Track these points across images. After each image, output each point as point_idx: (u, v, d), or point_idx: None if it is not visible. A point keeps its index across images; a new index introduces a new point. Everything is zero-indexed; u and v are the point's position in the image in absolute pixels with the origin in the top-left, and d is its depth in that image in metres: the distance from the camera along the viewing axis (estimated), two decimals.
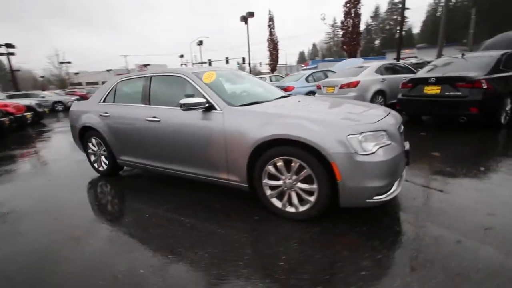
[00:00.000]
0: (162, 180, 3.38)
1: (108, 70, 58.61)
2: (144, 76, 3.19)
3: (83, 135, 3.70)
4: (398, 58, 14.76)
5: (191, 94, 2.76)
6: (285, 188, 2.26)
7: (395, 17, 68.16)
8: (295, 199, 2.24)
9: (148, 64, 51.72)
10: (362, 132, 1.97)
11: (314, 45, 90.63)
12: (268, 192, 2.34)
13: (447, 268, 1.61)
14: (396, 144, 2.11)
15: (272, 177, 2.29)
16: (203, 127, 2.55)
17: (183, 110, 2.50)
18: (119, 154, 3.35)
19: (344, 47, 18.95)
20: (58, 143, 6.83)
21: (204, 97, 2.58)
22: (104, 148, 3.49)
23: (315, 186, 2.09)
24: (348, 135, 1.95)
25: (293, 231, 2.11)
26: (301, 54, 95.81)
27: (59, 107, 16.34)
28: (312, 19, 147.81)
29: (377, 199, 2.00)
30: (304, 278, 1.62)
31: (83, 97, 18.92)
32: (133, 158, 3.22)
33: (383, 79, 6.96)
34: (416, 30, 70.59)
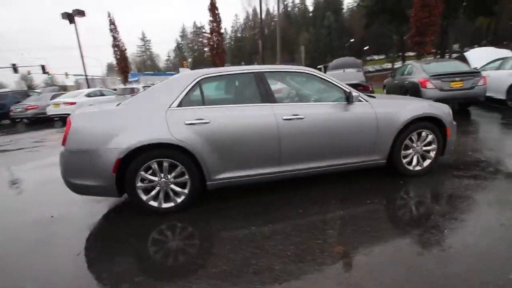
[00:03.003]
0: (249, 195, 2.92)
1: None
2: (247, 73, 2.69)
3: (129, 163, 2.34)
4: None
5: (318, 89, 2.83)
6: (414, 153, 3.08)
7: (200, 39, 77.87)
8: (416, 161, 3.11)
9: None
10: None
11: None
12: (404, 160, 3.05)
13: None
14: None
15: (406, 147, 3.03)
16: (354, 117, 2.78)
17: (350, 103, 2.66)
18: (217, 172, 2.54)
19: (210, 58, 20.72)
20: None
21: (344, 91, 2.81)
22: (178, 172, 2.46)
23: (434, 146, 3.10)
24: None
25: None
26: (111, 66, 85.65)
27: None
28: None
29: None
30: None
31: None
32: (237, 173, 2.59)
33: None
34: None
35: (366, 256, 1.81)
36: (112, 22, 24.55)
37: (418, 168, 3.11)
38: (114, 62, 27.27)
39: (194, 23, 76.67)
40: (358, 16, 58.54)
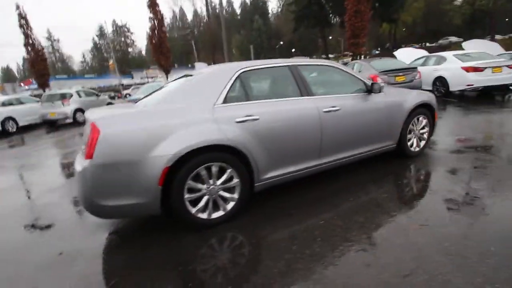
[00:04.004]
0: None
1: None
2: (282, 66, 2.60)
3: (176, 171, 1.98)
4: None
5: (341, 81, 2.95)
6: (414, 136, 3.49)
7: (123, 39, 70.92)
8: (416, 143, 3.54)
9: None
10: None
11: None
12: (409, 143, 3.42)
13: None
14: None
15: (409, 132, 3.41)
16: (376, 106, 2.98)
17: (370, 94, 2.82)
18: (265, 172, 2.37)
19: (154, 58, 18.57)
20: None
21: (364, 82, 2.99)
22: (228, 176, 2.21)
23: (427, 128, 3.56)
24: None
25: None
26: (7, 70, 70.07)
27: None
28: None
29: None
30: None
31: None
32: (283, 170, 2.49)
33: None
34: (144, 52, 78.39)
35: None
36: (22, 16, 19.54)
37: (417, 149, 3.53)
38: (21, 64, 22.14)
39: (114, 21, 69.23)
40: (283, 20, 62.77)
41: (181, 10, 72.67)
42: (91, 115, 2.06)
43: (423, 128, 3.51)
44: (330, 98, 2.72)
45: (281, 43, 55.24)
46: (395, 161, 3.40)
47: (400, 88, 3.86)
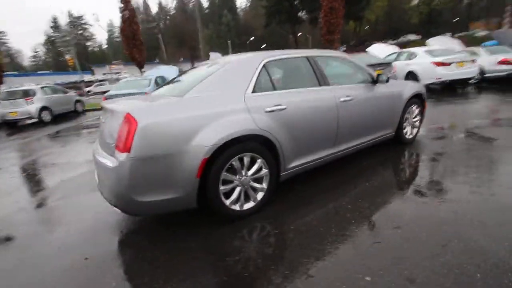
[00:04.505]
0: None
1: None
2: (301, 57, 2.66)
3: (212, 162, 1.95)
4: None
5: (349, 71, 3.09)
6: (408, 124, 3.77)
7: (81, 31, 65.63)
8: (410, 131, 3.84)
9: None
10: None
11: None
12: (404, 131, 3.69)
13: None
14: None
15: (405, 120, 3.67)
16: (381, 96, 3.16)
17: (375, 84, 3.00)
18: (289, 161, 2.43)
19: (126, 52, 17.01)
20: None
21: (370, 73, 3.16)
22: (258, 167, 2.22)
23: (419, 117, 3.87)
24: None
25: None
26: None
27: None
28: None
29: None
30: None
31: None
32: (306, 159, 2.58)
33: None
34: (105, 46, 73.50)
35: None
36: None
37: (411, 136, 3.82)
38: None
39: (69, 12, 63.70)
40: (252, 15, 62.64)
41: (145, 2, 69.02)
42: (118, 106, 1.93)
43: (415, 116, 3.80)
44: (343, 88, 2.83)
45: (252, 38, 55.18)
46: (392, 149, 3.64)
47: (396, 80, 4.13)
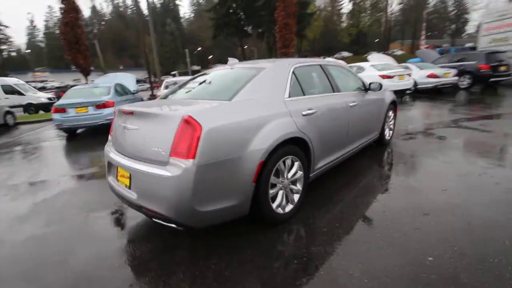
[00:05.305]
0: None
1: None
2: (316, 65, 2.87)
3: (264, 166, 1.93)
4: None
5: (348, 79, 3.42)
6: (387, 127, 4.29)
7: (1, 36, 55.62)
8: (388, 132, 4.38)
9: None
10: None
11: None
12: (385, 131, 4.19)
13: None
14: None
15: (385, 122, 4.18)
16: (373, 102, 3.56)
17: (375, 91, 3.37)
18: (317, 162, 2.55)
19: (69, 57, 14.13)
20: None
21: (363, 81, 3.54)
22: (296, 169, 2.29)
23: (393, 120, 4.45)
24: None
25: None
26: None
27: None
28: None
29: None
30: None
31: None
32: (326, 160, 2.74)
33: None
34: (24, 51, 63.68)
35: None
36: None
37: (389, 138, 4.36)
38: None
39: None
40: (197, 26, 62.36)
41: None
42: (162, 110, 1.78)
43: (391, 120, 4.36)
44: (349, 94, 3.12)
45: (199, 49, 54.73)
46: (375, 150, 4.09)
47: None
